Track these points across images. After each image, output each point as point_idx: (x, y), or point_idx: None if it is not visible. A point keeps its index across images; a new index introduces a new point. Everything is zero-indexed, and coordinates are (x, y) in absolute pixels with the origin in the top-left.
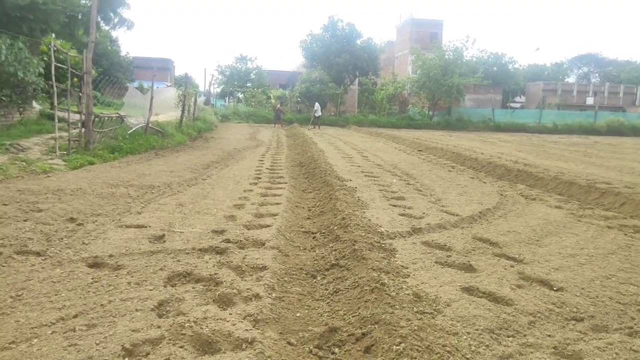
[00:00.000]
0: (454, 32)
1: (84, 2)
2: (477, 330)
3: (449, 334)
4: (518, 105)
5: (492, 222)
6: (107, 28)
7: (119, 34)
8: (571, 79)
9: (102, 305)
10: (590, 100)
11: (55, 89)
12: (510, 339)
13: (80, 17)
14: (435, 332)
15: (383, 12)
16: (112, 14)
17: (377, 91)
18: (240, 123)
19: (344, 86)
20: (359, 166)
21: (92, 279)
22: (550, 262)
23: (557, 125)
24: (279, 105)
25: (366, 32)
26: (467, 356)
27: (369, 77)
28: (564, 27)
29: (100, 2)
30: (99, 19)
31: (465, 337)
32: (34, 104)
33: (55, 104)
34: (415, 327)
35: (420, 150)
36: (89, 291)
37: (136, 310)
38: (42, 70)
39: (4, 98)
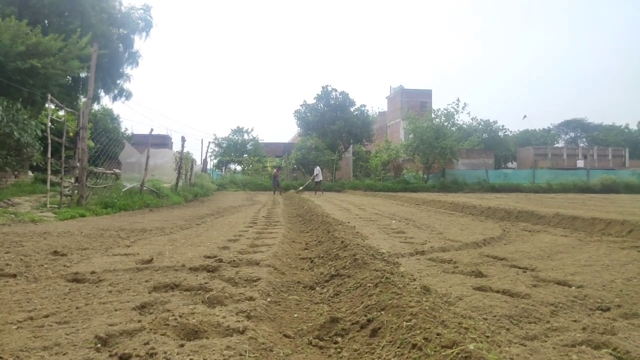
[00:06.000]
0: (443, 101)
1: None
2: (494, 316)
3: (465, 318)
4: (510, 171)
5: (497, 246)
6: (106, 97)
7: (118, 106)
8: (560, 144)
9: (77, 307)
10: (580, 163)
11: (49, 162)
12: (533, 324)
13: (82, 81)
14: (449, 314)
15: (375, 81)
16: (112, 86)
17: (372, 158)
18: (237, 191)
19: (338, 152)
20: (357, 214)
21: (69, 289)
22: (565, 270)
23: (551, 185)
24: (275, 171)
25: (359, 100)
26: (487, 334)
27: (362, 144)
28: (549, 94)
29: (104, 72)
30: (100, 90)
31: (482, 322)
32: (29, 173)
33: (49, 171)
34: (427, 307)
35: (417, 204)
36: (64, 298)
37: (115, 310)
38: (39, 132)
39: None
